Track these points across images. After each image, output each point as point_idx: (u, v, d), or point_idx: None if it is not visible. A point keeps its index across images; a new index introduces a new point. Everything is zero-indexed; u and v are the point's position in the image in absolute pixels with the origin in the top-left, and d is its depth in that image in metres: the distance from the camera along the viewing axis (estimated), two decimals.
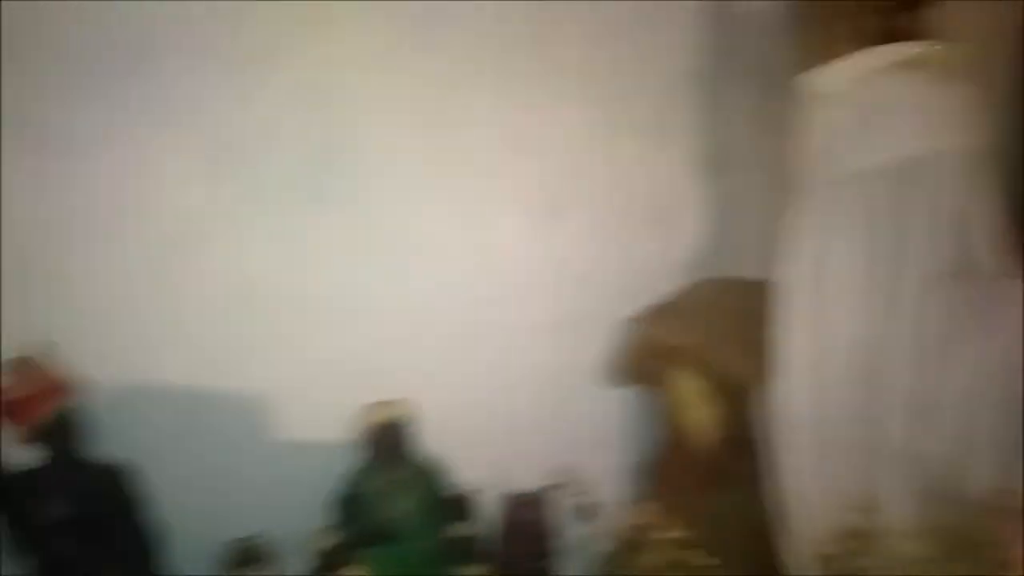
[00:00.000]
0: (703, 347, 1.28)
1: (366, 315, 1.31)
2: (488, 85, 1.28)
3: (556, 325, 1.40)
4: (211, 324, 1.21)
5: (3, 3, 1.01)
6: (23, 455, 1.06)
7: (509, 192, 1.33)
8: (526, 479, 1.39)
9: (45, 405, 1.03)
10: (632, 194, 1.40)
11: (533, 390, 1.43)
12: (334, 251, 1.25)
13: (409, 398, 1.29)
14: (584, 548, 1.51)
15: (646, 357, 1.35)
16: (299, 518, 1.30)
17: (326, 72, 1.18)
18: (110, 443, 1.14)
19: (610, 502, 1.36)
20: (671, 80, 1.40)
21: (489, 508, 1.43)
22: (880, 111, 1.04)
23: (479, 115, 1.28)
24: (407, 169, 1.25)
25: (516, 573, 1.36)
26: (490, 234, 1.33)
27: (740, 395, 1.23)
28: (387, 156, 1.23)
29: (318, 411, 1.30)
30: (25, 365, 1.03)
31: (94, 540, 1.07)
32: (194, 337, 1.21)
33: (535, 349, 1.41)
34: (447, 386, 1.37)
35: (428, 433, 1.32)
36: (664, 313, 1.35)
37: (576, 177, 1.37)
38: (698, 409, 1.28)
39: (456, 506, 1.34)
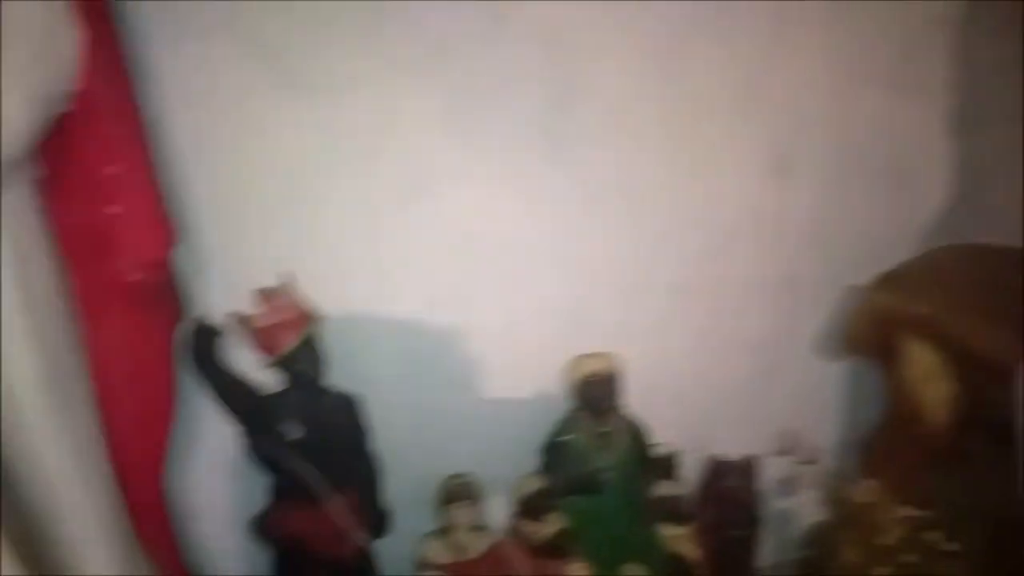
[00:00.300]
0: (944, 318, 1.18)
1: (581, 264, 1.28)
2: (723, 36, 1.21)
3: (775, 287, 1.33)
4: (439, 266, 1.22)
5: None
6: (268, 379, 1.10)
7: (737, 144, 1.26)
8: (730, 445, 1.35)
9: (290, 333, 1.07)
10: (868, 152, 1.31)
11: (745, 354, 1.38)
12: (559, 198, 1.22)
13: (618, 351, 1.26)
14: (790, 520, 1.45)
15: (876, 326, 1.26)
16: (505, 462, 1.32)
17: (565, 19, 1.15)
18: (339, 373, 1.18)
19: (829, 475, 1.29)
20: (917, 29, 1.28)
21: (690, 471, 1.39)
22: None
23: (713, 65, 1.21)
24: (639, 118, 1.21)
25: (719, 539, 1.32)
26: (714, 187, 1.28)
27: (981, 371, 1.13)
28: (621, 104, 1.19)
29: (530, 358, 1.30)
30: (273, 295, 1.07)
31: (328, 464, 1.11)
32: (422, 277, 1.22)
33: (751, 311, 1.35)
34: (655, 342, 1.34)
35: (633, 389, 1.29)
36: (899, 280, 1.26)
37: (809, 132, 1.28)
38: (935, 384, 1.19)
39: (662, 465, 1.31)
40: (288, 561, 1.13)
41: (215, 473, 1.18)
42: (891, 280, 1.25)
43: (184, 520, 1.18)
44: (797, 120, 1.28)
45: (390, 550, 1.21)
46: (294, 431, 1.08)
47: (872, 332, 1.26)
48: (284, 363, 1.07)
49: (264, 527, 1.13)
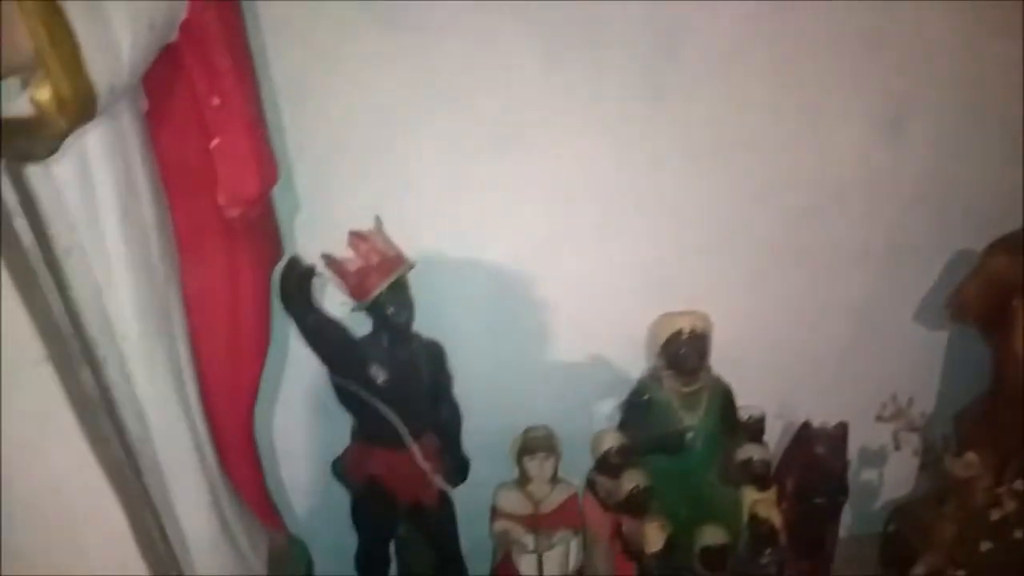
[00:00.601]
0: None
1: (675, 218, 1.24)
2: None
3: (880, 251, 1.27)
4: (529, 215, 1.19)
5: None
6: (357, 322, 1.10)
7: (850, 99, 1.19)
8: (821, 412, 1.30)
9: (379, 277, 1.06)
10: (988, 110, 1.21)
11: (842, 319, 1.33)
12: (657, 149, 1.17)
13: (708, 310, 1.22)
14: (877, 492, 1.41)
15: (988, 293, 1.19)
16: (585, 417, 1.30)
17: None
18: (423, 320, 1.17)
19: (930, 445, 1.23)
20: None
21: (777, 436, 1.36)
22: None
23: (830, 13, 1.13)
24: (748, 68, 1.14)
25: (803, 507, 1.29)
26: (822, 143, 1.21)
27: None
28: (730, 52, 1.13)
29: (616, 312, 1.27)
30: (364, 239, 1.06)
31: (411, 409, 1.11)
32: (511, 226, 1.20)
33: (852, 275, 1.29)
34: (748, 303, 1.29)
35: (722, 349, 1.25)
36: (1016, 245, 1.18)
37: (927, 88, 1.20)
38: None
39: (749, 428, 1.27)
40: (368, 503, 1.13)
41: (301, 412, 1.19)
42: (1007, 245, 1.17)
43: (269, 458, 1.20)
44: (915, 75, 1.19)
45: (466, 499, 1.21)
46: (380, 374, 1.07)
47: (984, 299, 1.19)
48: (373, 307, 1.06)
49: (346, 468, 1.14)
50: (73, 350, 0.67)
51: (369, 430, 1.11)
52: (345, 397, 1.09)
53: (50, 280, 0.63)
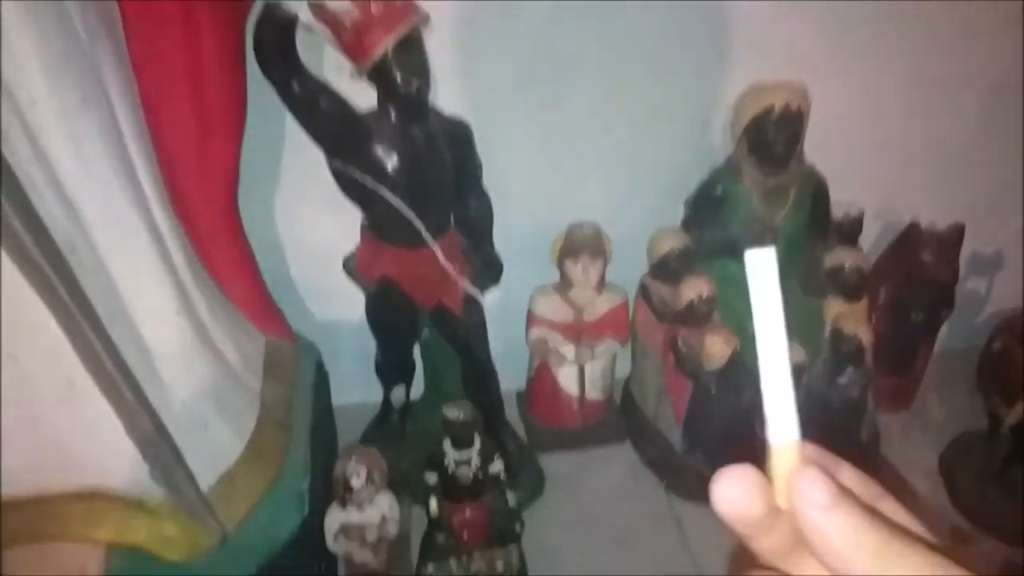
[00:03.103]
0: None
1: None
2: None
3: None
4: None
5: None
6: (358, 93, 0.89)
7: None
8: (929, 212, 1.08)
9: (382, 32, 0.83)
10: None
11: (970, 96, 1.09)
12: None
13: (804, 85, 0.97)
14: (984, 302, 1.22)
15: None
16: (642, 212, 1.10)
17: None
18: (445, 93, 0.96)
19: None
20: None
21: (876, 239, 1.15)
22: None
23: None
24: None
25: (899, 321, 1.11)
26: None
27: None
28: None
29: (687, 84, 1.02)
30: None
31: (429, 201, 0.93)
32: None
33: (984, 43, 1.03)
34: (856, 76, 1.03)
35: (818, 132, 1.01)
36: None
37: None
38: None
39: (843, 229, 1.07)
40: (383, 306, 1.00)
41: (308, 203, 1.02)
42: None
43: (273, 254, 1.05)
44: None
45: (499, 302, 1.06)
46: (388, 159, 0.88)
47: None
48: (376, 72, 0.85)
49: (357, 268, 0.99)
50: None
51: (380, 225, 0.95)
52: (348, 186, 0.92)
53: None
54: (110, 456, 0.68)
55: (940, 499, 1.09)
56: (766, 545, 0.26)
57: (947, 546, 0.24)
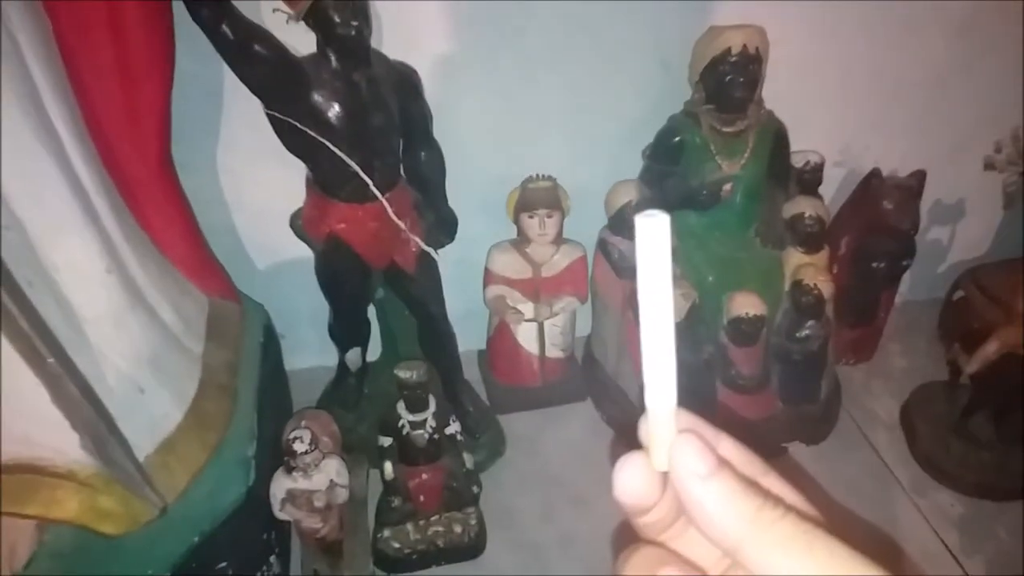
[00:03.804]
0: None
1: None
2: None
3: None
4: None
5: None
6: (297, 38, 0.84)
7: None
8: (892, 160, 1.07)
9: None
10: None
11: (936, 37, 1.07)
12: None
13: (763, 27, 0.94)
14: (946, 252, 1.22)
15: None
16: (599, 164, 1.08)
17: None
18: (392, 38, 0.91)
19: None
20: None
21: (836, 187, 1.14)
22: None
23: None
24: None
25: (861, 271, 1.10)
26: None
27: None
28: None
29: (646, 27, 0.99)
30: None
31: (375, 153, 0.89)
32: None
33: None
34: (813, 15, 1.00)
35: (778, 77, 0.98)
36: None
37: None
38: None
39: (803, 178, 1.05)
40: (333, 265, 0.96)
41: (252, 157, 0.97)
42: None
43: (216, 211, 1.01)
44: None
45: (456, 259, 1.03)
46: (330, 107, 0.84)
47: None
48: (313, 15, 0.80)
49: (303, 225, 0.95)
50: None
51: (325, 179, 0.91)
52: (289, 137, 0.87)
53: None
54: (35, 426, 0.64)
55: (900, 451, 1.09)
56: (649, 520, 0.26)
57: (823, 519, 0.25)
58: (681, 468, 0.24)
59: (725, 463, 0.24)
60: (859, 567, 0.22)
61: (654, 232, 0.24)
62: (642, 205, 1.04)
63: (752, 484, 0.24)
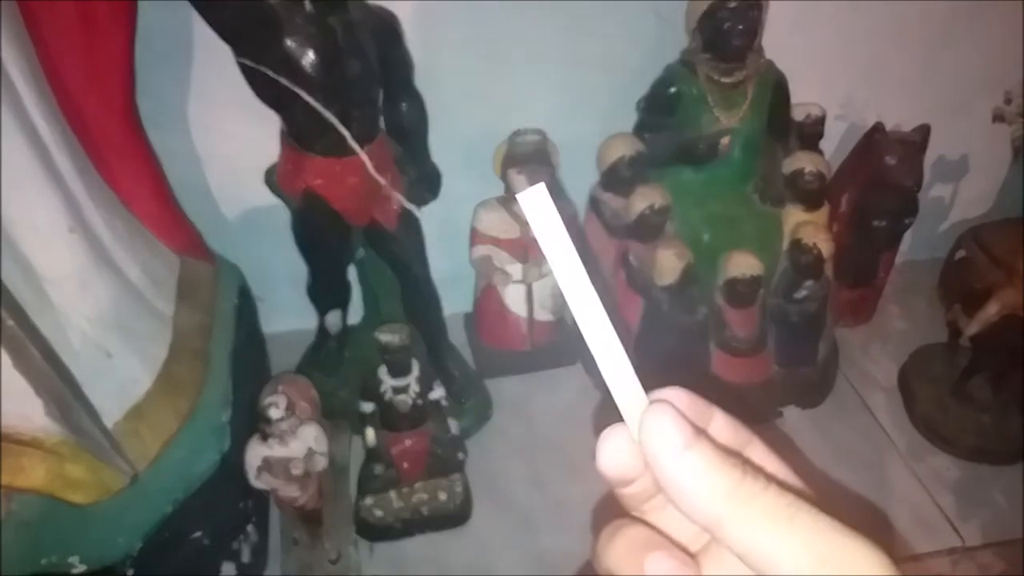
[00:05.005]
0: None
1: None
2: None
3: None
4: None
5: None
6: None
7: None
8: (896, 114, 1.05)
9: None
10: None
11: None
12: None
13: None
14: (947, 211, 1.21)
15: None
16: (590, 118, 1.05)
17: None
18: None
19: None
20: None
21: (839, 143, 1.12)
22: None
23: None
24: None
25: (861, 230, 1.09)
26: None
27: None
28: None
29: None
30: None
31: (353, 104, 0.86)
32: None
33: None
34: None
35: (777, 27, 0.96)
36: None
37: None
38: None
39: (803, 132, 1.03)
40: (309, 223, 0.93)
41: (225, 109, 0.94)
42: None
43: (188, 166, 0.98)
44: None
45: (441, 217, 1.01)
46: (303, 54, 0.81)
47: None
48: None
49: (278, 181, 0.93)
50: None
51: (299, 132, 0.88)
52: (261, 87, 0.84)
53: None
54: None
55: (898, 414, 1.09)
56: (632, 491, 0.26)
57: (808, 490, 0.24)
58: (652, 442, 0.23)
59: (701, 433, 0.23)
60: (845, 540, 0.21)
61: (538, 204, 0.23)
62: (636, 160, 1.02)
63: (732, 454, 0.23)
